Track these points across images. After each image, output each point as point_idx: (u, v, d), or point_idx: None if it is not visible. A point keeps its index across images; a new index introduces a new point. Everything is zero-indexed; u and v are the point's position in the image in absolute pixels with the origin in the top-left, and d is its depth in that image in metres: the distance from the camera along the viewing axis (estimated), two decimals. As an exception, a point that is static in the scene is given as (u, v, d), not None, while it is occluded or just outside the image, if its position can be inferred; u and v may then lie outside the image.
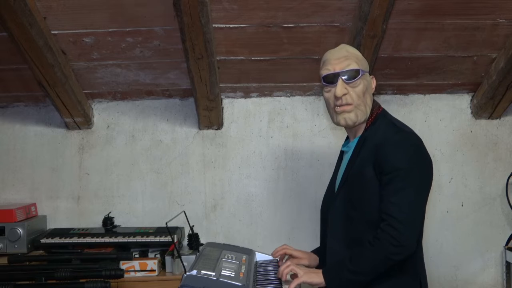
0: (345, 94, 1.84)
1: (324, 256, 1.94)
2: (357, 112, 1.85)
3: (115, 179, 3.18)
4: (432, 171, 1.83)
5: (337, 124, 1.91)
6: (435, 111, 3.16)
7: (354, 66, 1.85)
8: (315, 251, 2.11)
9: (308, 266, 2.09)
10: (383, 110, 1.93)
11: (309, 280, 1.78)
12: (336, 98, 1.85)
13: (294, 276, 1.84)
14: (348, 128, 1.93)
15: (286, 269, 1.83)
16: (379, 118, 1.89)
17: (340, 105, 1.86)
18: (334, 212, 1.89)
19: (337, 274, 1.75)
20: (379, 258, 1.71)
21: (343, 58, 1.86)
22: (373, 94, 1.94)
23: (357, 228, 1.81)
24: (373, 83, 1.93)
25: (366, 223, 1.79)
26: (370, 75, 1.93)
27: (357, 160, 1.85)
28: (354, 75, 1.84)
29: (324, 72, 1.89)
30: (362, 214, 1.80)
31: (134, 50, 2.74)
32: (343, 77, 1.84)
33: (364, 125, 1.90)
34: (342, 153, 2.05)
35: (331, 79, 1.86)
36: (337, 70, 1.85)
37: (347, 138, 2.04)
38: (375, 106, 1.91)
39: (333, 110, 1.90)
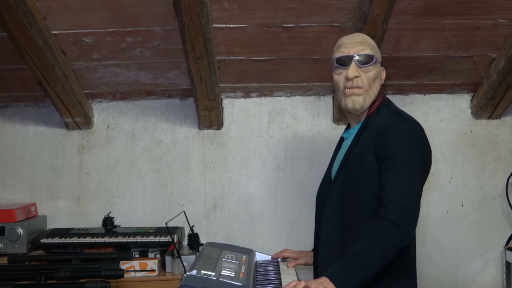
0: (356, 77, 1.84)
1: (317, 244, 1.95)
2: (365, 97, 1.87)
3: (115, 179, 3.18)
4: (431, 161, 1.86)
5: (345, 107, 1.91)
6: (435, 111, 3.16)
7: (368, 51, 1.86)
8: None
9: (305, 265, 2.14)
10: (387, 99, 1.94)
11: None
12: (347, 79, 1.85)
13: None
14: (354, 112, 1.92)
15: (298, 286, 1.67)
16: (383, 107, 1.90)
17: (351, 87, 1.86)
18: (331, 197, 1.89)
19: (344, 276, 1.66)
20: (384, 247, 1.67)
21: (359, 43, 1.88)
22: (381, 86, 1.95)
23: (352, 214, 1.81)
24: (383, 74, 1.94)
25: (362, 209, 1.80)
26: (382, 67, 1.94)
27: (357, 146, 1.85)
28: (367, 60, 1.85)
29: (338, 54, 1.89)
30: (359, 200, 1.80)
31: (134, 50, 2.74)
32: (356, 61, 1.85)
33: (366, 112, 1.91)
34: (341, 140, 2.06)
35: (344, 61, 1.87)
36: (352, 53, 1.86)
37: (347, 126, 2.05)
38: (380, 95, 1.92)
39: (342, 92, 1.89)
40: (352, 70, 1.84)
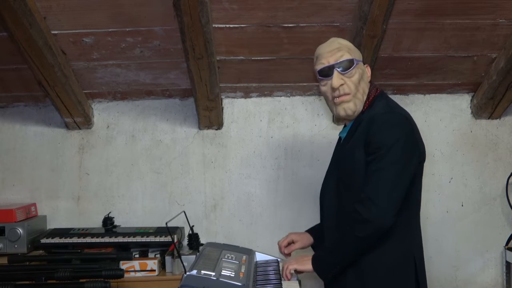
0: (342, 85, 1.87)
1: (322, 238, 2.01)
2: (355, 101, 1.88)
3: (115, 179, 3.18)
4: (420, 147, 1.85)
5: (337, 116, 1.94)
6: (435, 111, 3.16)
7: (347, 56, 1.88)
8: (310, 230, 2.21)
9: (302, 248, 2.21)
10: (381, 92, 1.94)
11: (302, 268, 1.89)
12: (333, 89, 1.88)
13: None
14: (348, 118, 1.94)
15: (286, 271, 1.92)
16: (375, 101, 1.91)
17: (338, 96, 1.89)
18: (329, 194, 1.94)
19: (320, 258, 1.86)
20: (349, 237, 1.76)
21: (336, 50, 1.90)
22: (370, 82, 1.96)
23: (349, 209, 1.82)
24: (368, 71, 1.96)
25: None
26: (364, 64, 1.96)
27: (349, 142, 1.88)
28: (348, 65, 1.87)
29: (319, 67, 1.92)
30: (353, 194, 1.81)
31: (134, 50, 2.74)
32: (338, 69, 1.87)
33: (361, 111, 1.92)
34: (340, 139, 2.08)
35: (327, 72, 1.89)
36: (332, 63, 1.88)
37: (345, 125, 2.07)
38: (372, 90, 1.93)
39: (332, 102, 1.93)
40: (336, 79, 1.86)
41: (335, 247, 1.81)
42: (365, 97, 1.90)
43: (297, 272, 1.93)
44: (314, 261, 1.87)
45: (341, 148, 1.95)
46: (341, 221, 1.85)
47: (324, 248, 1.88)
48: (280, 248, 2.21)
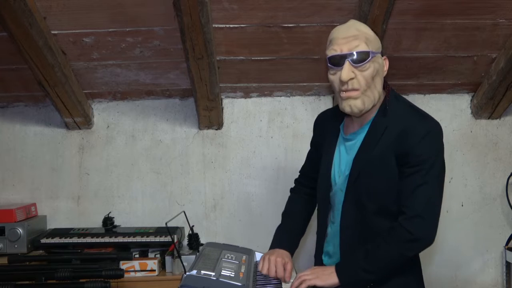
0: (352, 79, 1.67)
1: (322, 241, 1.90)
2: (364, 99, 1.69)
3: (115, 179, 3.18)
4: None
5: (342, 110, 1.76)
6: (435, 111, 3.16)
7: (363, 47, 1.66)
8: (281, 246, 1.94)
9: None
10: (392, 90, 1.79)
11: (324, 283, 1.69)
12: (342, 82, 1.68)
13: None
14: (354, 116, 1.77)
15: (302, 286, 1.70)
16: (392, 101, 1.75)
17: (346, 90, 1.69)
18: (347, 202, 1.77)
19: (352, 274, 1.68)
20: (394, 255, 1.65)
21: (352, 37, 1.67)
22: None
23: (372, 219, 1.72)
24: (386, 65, 1.75)
25: (381, 214, 1.71)
26: (382, 56, 1.75)
27: (376, 147, 1.70)
28: (363, 57, 1.66)
29: (330, 53, 1.70)
30: (378, 204, 1.71)
31: (134, 50, 2.74)
32: (350, 60, 1.66)
33: (373, 110, 1.75)
34: (331, 136, 1.89)
35: (337, 61, 1.68)
36: (344, 52, 1.67)
37: (342, 121, 1.88)
38: (385, 87, 1.77)
39: (338, 94, 1.74)
40: (346, 71, 1.66)
41: (373, 266, 1.65)
42: (376, 95, 1.71)
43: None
44: (343, 276, 1.68)
45: (363, 153, 1.74)
46: (365, 232, 1.73)
47: (355, 264, 1.67)
48: (280, 277, 1.86)
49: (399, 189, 1.68)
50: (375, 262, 1.66)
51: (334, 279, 1.69)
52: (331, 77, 1.74)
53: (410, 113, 1.74)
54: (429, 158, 1.64)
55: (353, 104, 1.70)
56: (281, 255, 1.90)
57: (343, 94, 1.71)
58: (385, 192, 1.71)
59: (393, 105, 1.75)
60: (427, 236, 1.64)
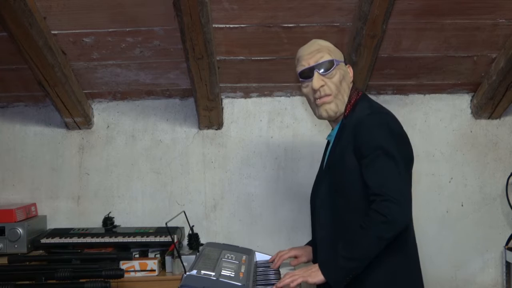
0: (322, 86, 1.86)
1: (315, 248, 1.94)
2: (337, 102, 1.88)
3: (115, 179, 3.18)
4: (409, 147, 1.84)
5: (320, 117, 1.93)
6: (435, 111, 3.16)
7: (327, 57, 1.88)
8: (310, 243, 2.09)
9: (308, 261, 2.09)
10: (363, 94, 1.93)
11: (312, 280, 1.75)
12: (314, 90, 1.88)
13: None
14: (330, 119, 1.95)
15: (293, 284, 1.77)
16: (358, 104, 1.89)
17: (320, 97, 1.88)
18: (321, 202, 1.88)
19: (333, 265, 1.73)
20: (371, 240, 1.68)
21: (315, 51, 1.90)
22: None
23: (345, 217, 1.80)
24: (350, 71, 1.95)
25: (353, 211, 1.78)
26: (346, 64, 1.95)
27: (337, 147, 1.86)
28: (328, 66, 1.87)
29: (300, 68, 1.93)
30: (348, 201, 1.79)
31: (134, 50, 2.74)
32: (318, 70, 1.87)
33: (343, 113, 1.90)
34: (328, 143, 2.05)
35: (307, 74, 1.90)
36: (312, 64, 1.89)
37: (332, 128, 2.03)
38: (353, 93, 1.92)
39: (313, 104, 1.93)
40: (316, 80, 1.86)
41: (352, 252, 1.69)
42: (346, 98, 1.89)
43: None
44: (325, 270, 1.74)
45: (330, 153, 1.91)
46: (339, 230, 1.80)
47: (335, 254, 1.73)
48: (278, 258, 2.10)
49: (365, 182, 1.74)
50: (353, 248, 1.70)
51: (320, 275, 1.75)
52: (304, 90, 1.94)
53: (363, 111, 1.84)
54: (381, 145, 1.72)
55: (328, 108, 1.89)
56: (302, 249, 2.12)
57: (318, 101, 1.90)
58: (351, 187, 1.78)
59: (357, 107, 1.88)
60: (401, 217, 1.68)
